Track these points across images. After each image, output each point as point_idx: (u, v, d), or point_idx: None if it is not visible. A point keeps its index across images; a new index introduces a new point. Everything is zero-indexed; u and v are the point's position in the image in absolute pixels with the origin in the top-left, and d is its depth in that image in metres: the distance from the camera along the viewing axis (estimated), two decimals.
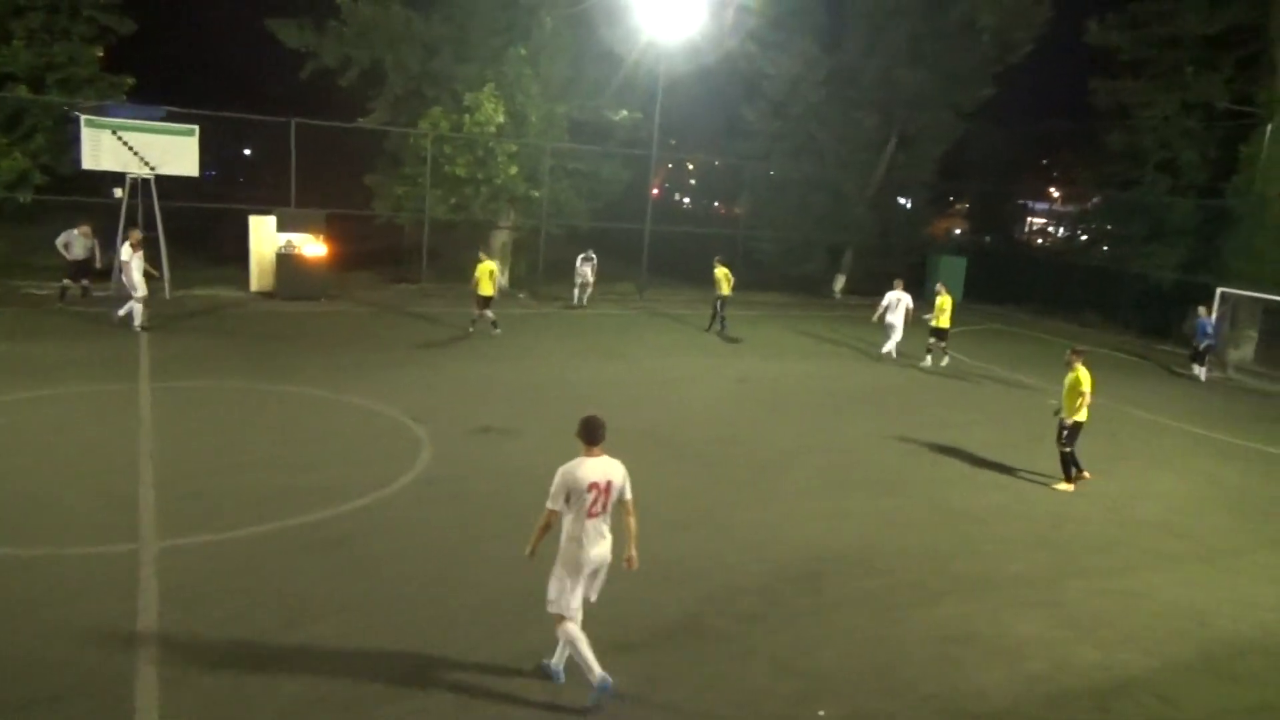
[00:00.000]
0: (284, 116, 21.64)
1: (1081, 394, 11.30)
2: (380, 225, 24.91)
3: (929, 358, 19.15)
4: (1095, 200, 33.28)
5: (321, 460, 10.37)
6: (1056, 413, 11.83)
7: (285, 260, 20.45)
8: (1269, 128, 23.48)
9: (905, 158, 30.43)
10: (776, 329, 22.57)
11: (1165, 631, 7.93)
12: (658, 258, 26.89)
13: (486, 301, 18.17)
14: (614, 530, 6.14)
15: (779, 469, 11.48)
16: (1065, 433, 11.54)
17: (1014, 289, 31.26)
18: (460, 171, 23.19)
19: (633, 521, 6.16)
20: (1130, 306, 27.48)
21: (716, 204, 40.43)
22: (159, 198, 19.18)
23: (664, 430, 12.72)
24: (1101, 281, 28.50)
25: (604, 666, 6.02)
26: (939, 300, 18.95)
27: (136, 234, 16.53)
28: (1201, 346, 20.86)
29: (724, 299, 20.99)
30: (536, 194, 24.49)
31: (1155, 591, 8.77)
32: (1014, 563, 9.17)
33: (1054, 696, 6.71)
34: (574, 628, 6.03)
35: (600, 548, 6.03)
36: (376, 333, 17.94)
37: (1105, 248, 31.70)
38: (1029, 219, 40.60)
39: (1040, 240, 40.26)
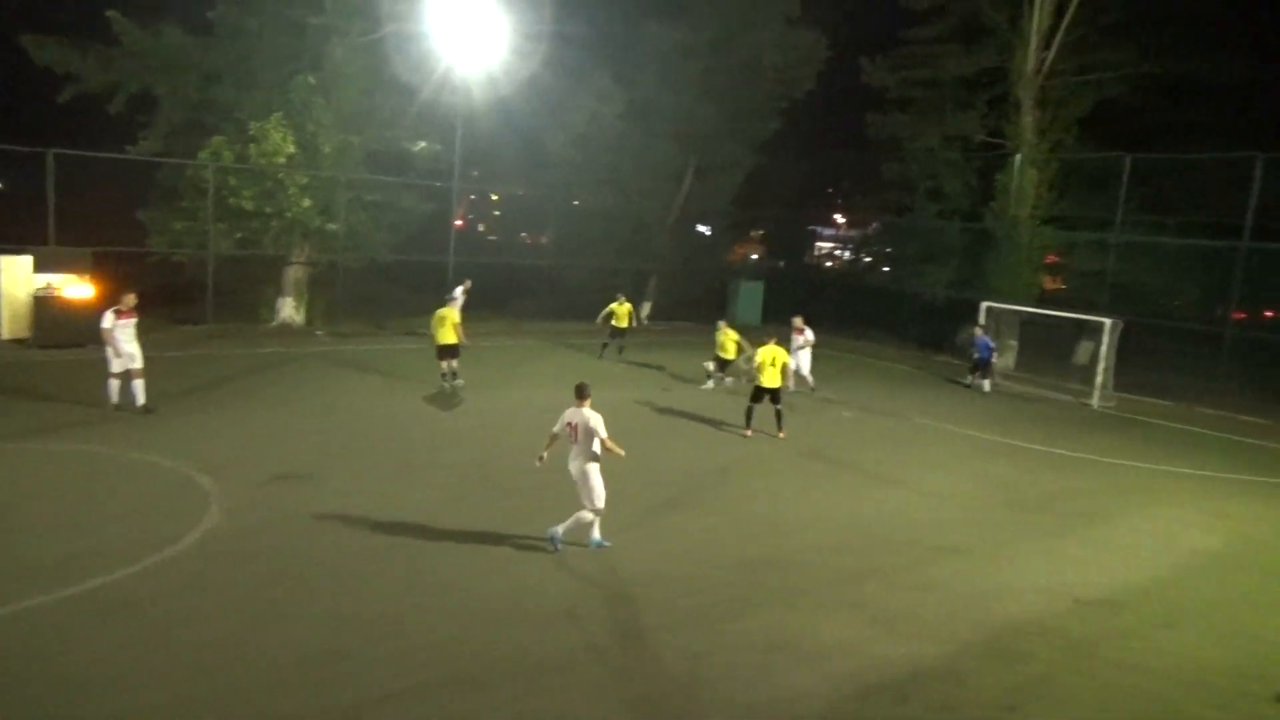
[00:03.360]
0: (39, 146, 19.76)
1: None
2: (156, 263, 23.16)
3: (709, 381, 19.95)
4: (875, 225, 36.17)
5: (102, 522, 9.49)
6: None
7: (44, 304, 18.61)
8: (1017, 158, 26.45)
9: (703, 187, 31.80)
10: (587, 356, 22.80)
11: (955, 620, 8.65)
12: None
13: (448, 351, 16.89)
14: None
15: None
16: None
17: (807, 310, 33.15)
18: (247, 204, 22.04)
19: (612, 446, 9.40)
20: (909, 322, 29.93)
21: (524, 235, 40.45)
22: None
23: (481, 464, 12.58)
24: (884, 300, 30.90)
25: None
26: (720, 337, 19.98)
27: None
28: (979, 360, 22.31)
29: (621, 330, 22.30)
30: (333, 226, 23.65)
31: (944, 584, 9.55)
32: (819, 569, 9.71)
33: (860, 692, 7.15)
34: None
35: (575, 464, 9.43)
36: (155, 380, 16.61)
37: (885, 269, 34.43)
38: (818, 243, 43.36)
39: (829, 263, 43.07)
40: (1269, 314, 27.06)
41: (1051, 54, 26.07)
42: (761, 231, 42.42)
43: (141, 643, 7.08)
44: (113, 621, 7.38)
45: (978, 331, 22.88)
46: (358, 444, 13.15)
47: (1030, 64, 26.19)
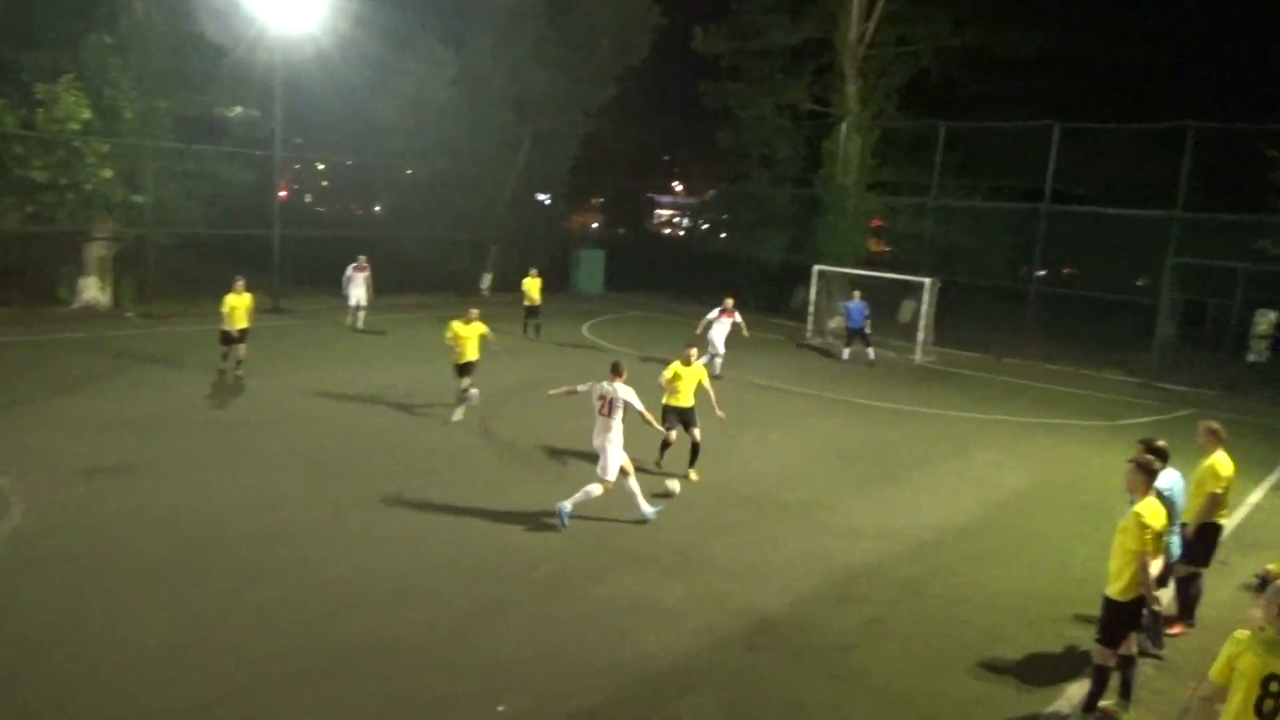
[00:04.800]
0: None
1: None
2: None
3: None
4: (711, 192, 36.98)
5: None
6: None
7: None
8: (843, 126, 27.65)
9: (541, 155, 31.49)
10: (426, 329, 22.21)
11: (796, 571, 9.08)
12: (292, 264, 25.30)
13: (467, 369, 14.13)
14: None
15: (430, 474, 11.39)
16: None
17: (649, 278, 33.72)
18: (38, 176, 20.09)
19: (650, 419, 10.25)
20: (747, 287, 30.74)
21: (354, 206, 38.86)
22: None
23: (307, 449, 12.11)
24: (722, 266, 31.67)
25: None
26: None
27: None
28: (852, 329, 21.98)
29: (534, 308, 21.72)
30: (139, 199, 21.95)
31: (786, 538, 10.00)
32: (667, 531, 9.94)
33: (711, 646, 7.40)
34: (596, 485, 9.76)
35: (601, 438, 9.74)
36: None
37: (723, 235, 35.29)
38: (657, 211, 43.93)
39: (668, 230, 43.76)
40: (1067, 271, 29.66)
41: (872, 25, 27.34)
42: (601, 199, 42.54)
43: None
44: None
45: (856, 295, 22.13)
46: (175, 433, 12.36)
47: (852, 34, 27.34)
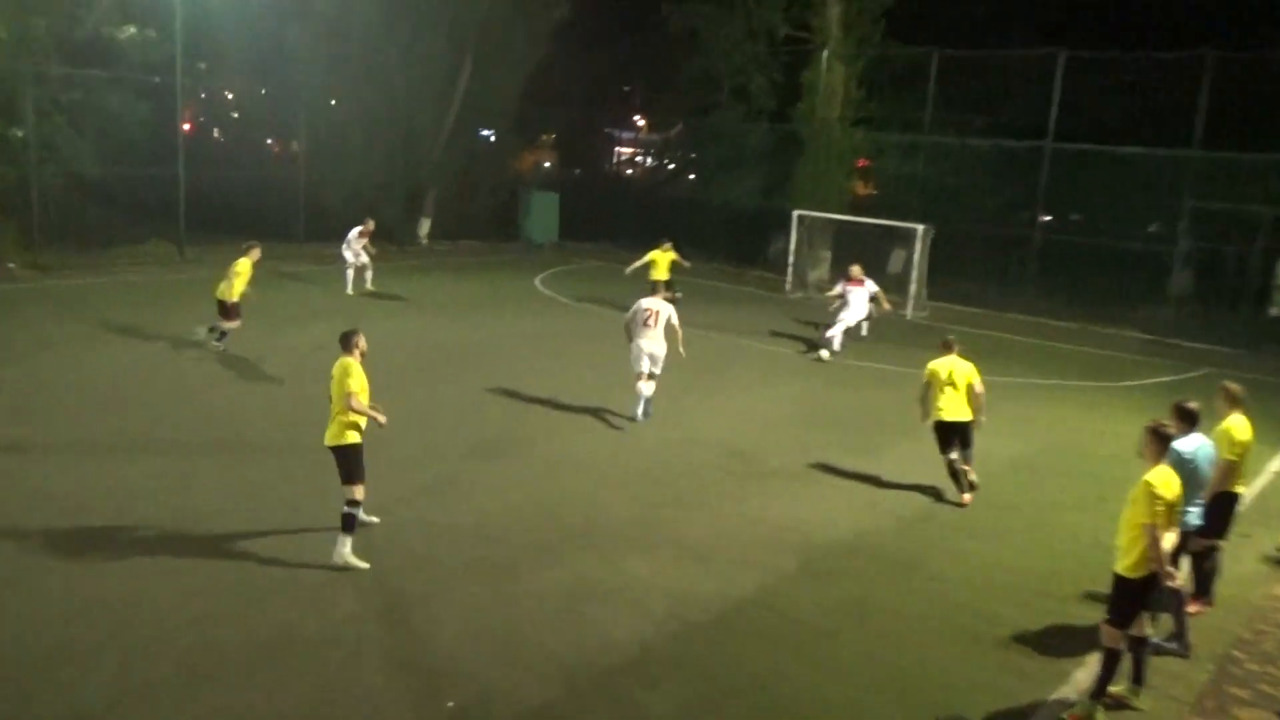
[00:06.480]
0: None
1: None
2: None
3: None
4: (678, 128, 36.66)
5: None
6: None
7: None
8: (825, 54, 27.45)
9: (484, 85, 30.90)
10: (389, 280, 21.88)
11: (771, 547, 9.16)
12: (199, 209, 24.74)
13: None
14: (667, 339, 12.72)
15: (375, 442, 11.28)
16: None
17: (608, 224, 33.49)
18: None
19: (679, 333, 12.93)
20: (719, 235, 30.72)
21: (271, 141, 37.96)
22: None
23: (226, 422, 11.96)
24: (690, 211, 31.55)
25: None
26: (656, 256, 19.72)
27: None
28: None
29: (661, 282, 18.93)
30: (19, 134, 21.29)
31: (759, 511, 10.07)
32: (626, 505, 9.96)
33: (679, 634, 7.46)
34: (640, 383, 12.80)
35: (651, 343, 12.68)
36: None
37: (691, 176, 35.07)
38: (617, 149, 43.53)
39: (630, 171, 43.41)
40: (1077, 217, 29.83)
41: None
42: (554, 135, 42.01)
43: None
44: None
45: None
46: (62, 406, 12.14)
47: None
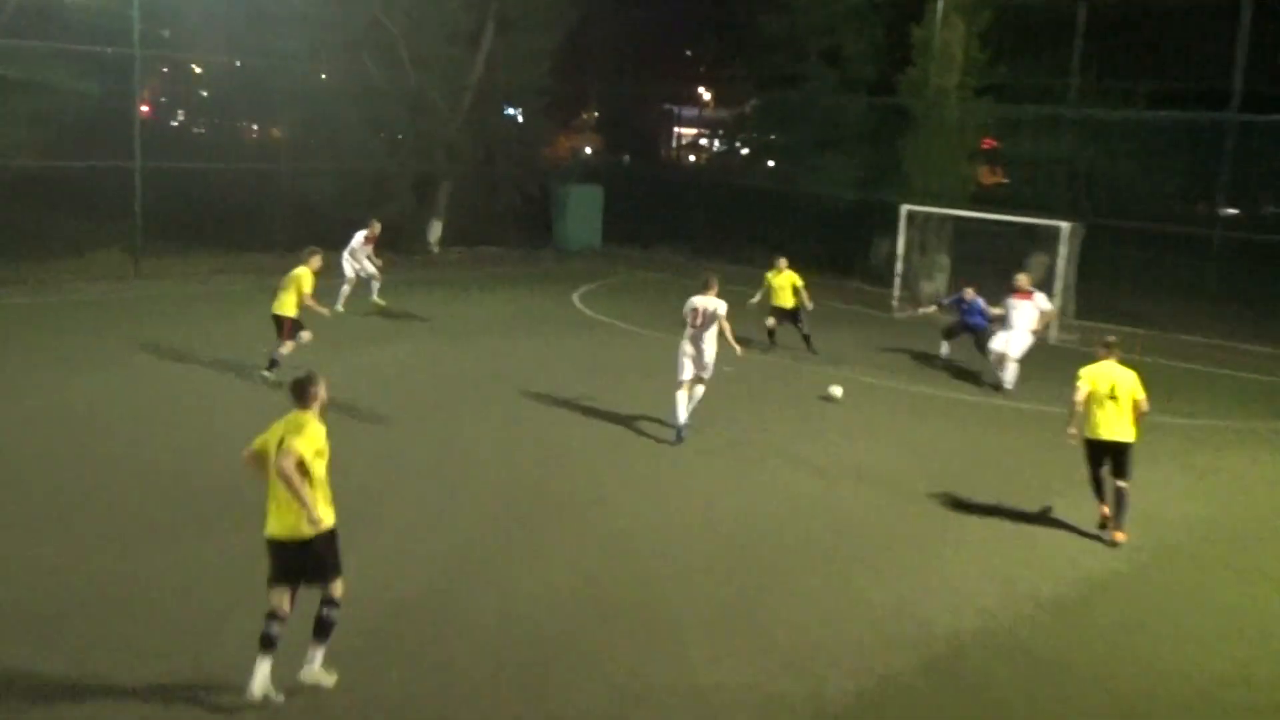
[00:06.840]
0: None
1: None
2: None
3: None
4: (753, 103, 36.66)
5: None
6: None
7: None
8: (940, 4, 27.16)
9: (510, 52, 31.26)
10: (354, 302, 22.10)
11: (878, 641, 8.89)
12: (159, 210, 25.18)
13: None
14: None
15: (372, 504, 11.30)
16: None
17: (665, 225, 33.49)
18: None
19: (728, 329, 14.18)
20: (807, 235, 30.22)
21: (252, 125, 38.72)
22: None
23: (187, 460, 12.08)
24: (770, 205, 31.46)
25: None
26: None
27: None
28: (970, 325, 19.65)
29: (788, 311, 19.96)
30: None
31: (865, 594, 9.82)
32: (692, 589, 9.77)
33: None
34: (678, 392, 13.98)
35: (696, 345, 13.85)
36: None
37: (770, 163, 35.03)
38: (677, 130, 43.70)
39: (692, 158, 43.55)
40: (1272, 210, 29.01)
41: None
42: (596, 114, 42.32)
43: None
44: None
45: (969, 293, 19.79)
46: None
47: None
